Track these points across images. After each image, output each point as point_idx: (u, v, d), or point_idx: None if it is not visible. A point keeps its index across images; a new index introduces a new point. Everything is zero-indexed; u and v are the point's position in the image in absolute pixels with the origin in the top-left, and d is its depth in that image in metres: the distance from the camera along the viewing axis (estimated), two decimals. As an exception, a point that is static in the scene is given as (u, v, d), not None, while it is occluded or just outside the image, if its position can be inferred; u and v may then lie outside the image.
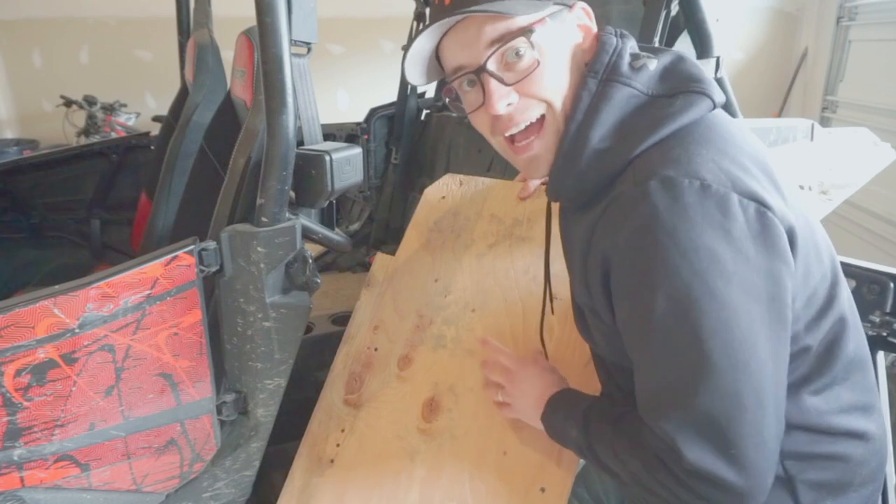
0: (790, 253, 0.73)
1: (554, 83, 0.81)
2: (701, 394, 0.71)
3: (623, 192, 0.74)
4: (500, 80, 0.80)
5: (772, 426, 0.73)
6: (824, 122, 5.05)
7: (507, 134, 0.84)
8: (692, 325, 0.70)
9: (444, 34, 0.83)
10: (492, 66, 0.80)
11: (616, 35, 0.85)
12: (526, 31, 0.78)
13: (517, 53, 0.79)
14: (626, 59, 0.82)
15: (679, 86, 0.80)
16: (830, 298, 0.82)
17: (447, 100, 0.93)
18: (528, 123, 0.83)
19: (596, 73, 0.81)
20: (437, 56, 0.87)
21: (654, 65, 0.82)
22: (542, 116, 0.83)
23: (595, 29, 0.86)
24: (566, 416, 0.94)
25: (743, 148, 0.78)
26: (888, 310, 1.14)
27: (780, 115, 5.49)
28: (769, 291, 0.71)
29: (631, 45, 0.85)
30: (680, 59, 0.84)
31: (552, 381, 1.02)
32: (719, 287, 0.69)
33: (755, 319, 0.70)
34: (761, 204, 0.71)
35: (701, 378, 0.70)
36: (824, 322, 0.81)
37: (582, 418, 0.90)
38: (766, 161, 0.80)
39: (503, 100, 0.81)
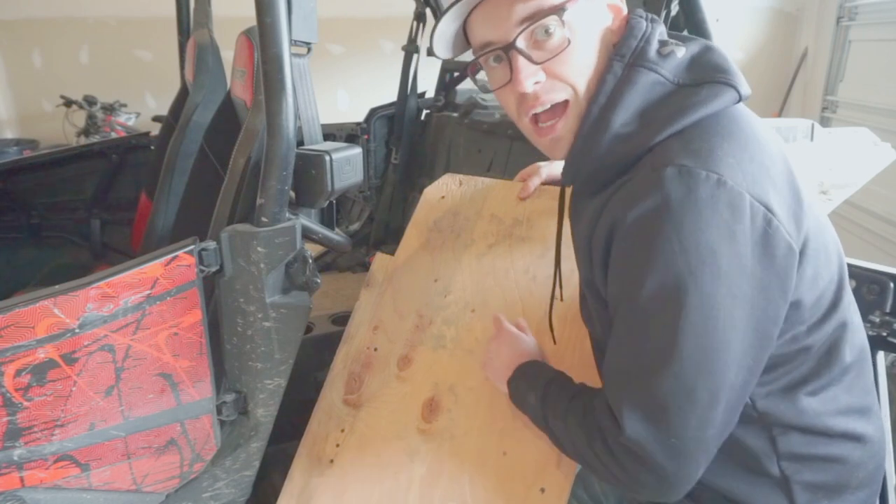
0: (790, 268, 0.73)
1: (582, 64, 0.81)
2: (661, 378, 0.72)
3: (638, 175, 0.75)
4: (529, 58, 0.80)
5: (717, 427, 0.74)
6: (824, 122, 5.05)
7: (532, 113, 0.83)
8: (672, 315, 0.71)
9: (473, 8, 0.82)
10: (521, 43, 0.79)
11: (646, 19, 0.84)
12: (558, 10, 0.78)
13: (547, 31, 0.78)
14: (655, 44, 0.81)
15: (705, 76, 0.79)
16: (836, 300, 0.82)
17: (470, 75, 0.91)
18: (553, 104, 0.82)
19: (623, 56, 0.80)
20: (463, 30, 0.86)
21: (682, 52, 0.81)
22: (567, 100, 0.82)
23: (625, 10, 0.85)
24: (529, 384, 0.97)
25: (764, 146, 0.77)
26: (888, 310, 1.14)
27: (780, 115, 5.49)
28: (754, 301, 0.72)
29: (660, 31, 0.84)
30: (708, 49, 0.83)
31: (526, 352, 1.05)
32: (707, 284, 0.69)
33: (734, 324, 0.71)
34: (770, 211, 0.71)
35: (666, 364, 0.72)
36: (828, 324, 0.81)
37: (543, 388, 0.93)
38: (787, 160, 0.80)
39: (531, 77, 0.80)
